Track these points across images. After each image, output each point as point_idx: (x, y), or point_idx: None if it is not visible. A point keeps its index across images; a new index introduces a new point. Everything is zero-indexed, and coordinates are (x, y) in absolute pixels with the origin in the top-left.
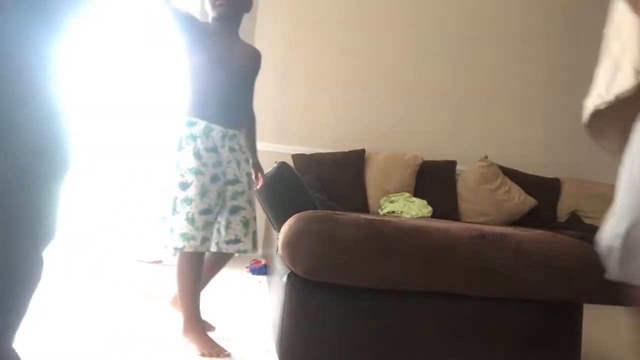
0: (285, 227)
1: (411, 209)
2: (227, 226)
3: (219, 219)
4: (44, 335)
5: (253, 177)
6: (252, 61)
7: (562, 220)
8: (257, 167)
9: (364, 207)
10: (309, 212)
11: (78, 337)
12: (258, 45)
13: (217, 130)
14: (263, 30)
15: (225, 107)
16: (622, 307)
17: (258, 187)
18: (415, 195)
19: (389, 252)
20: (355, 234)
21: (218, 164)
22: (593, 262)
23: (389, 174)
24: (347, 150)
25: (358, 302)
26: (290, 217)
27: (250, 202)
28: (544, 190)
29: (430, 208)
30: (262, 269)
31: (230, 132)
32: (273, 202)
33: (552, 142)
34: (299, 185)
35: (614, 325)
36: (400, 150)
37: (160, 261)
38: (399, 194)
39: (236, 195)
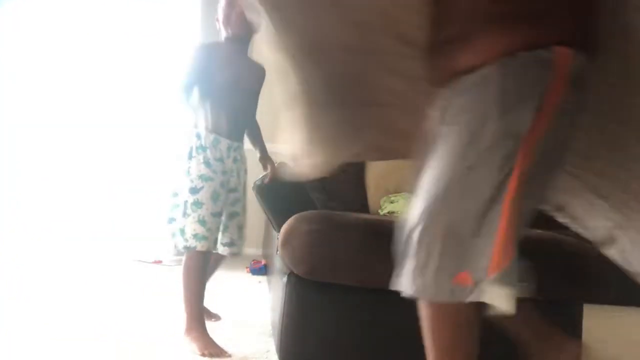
0: (285, 227)
1: None
2: (225, 230)
3: None
4: (42, 333)
5: (250, 184)
6: (260, 80)
7: None
8: (267, 159)
9: (364, 207)
10: (309, 212)
11: (78, 335)
12: (258, 45)
13: (224, 143)
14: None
15: (234, 124)
16: (622, 307)
17: (267, 179)
18: None
19: (389, 252)
20: (355, 234)
21: (224, 172)
22: (593, 262)
23: (389, 174)
24: None
25: (358, 302)
26: (290, 217)
27: (244, 210)
28: None
29: None
30: (262, 269)
31: (235, 144)
32: (273, 202)
33: None
34: (299, 186)
35: (614, 325)
36: None
37: (161, 261)
38: (399, 194)
39: (234, 202)
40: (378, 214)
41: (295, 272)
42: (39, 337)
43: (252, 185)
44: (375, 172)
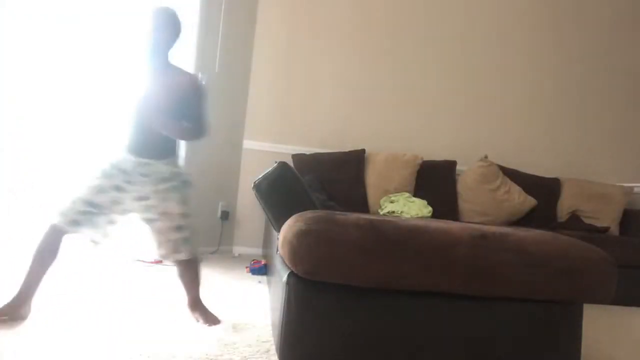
0: (285, 227)
1: (411, 209)
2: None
3: None
4: (42, 333)
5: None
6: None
7: (562, 220)
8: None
9: (364, 207)
10: (309, 212)
11: (77, 335)
12: (259, 45)
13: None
14: (263, 31)
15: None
16: (622, 307)
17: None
18: (415, 195)
19: (389, 252)
20: (355, 234)
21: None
22: (593, 262)
23: (389, 174)
24: (347, 150)
25: (358, 302)
26: (290, 217)
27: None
28: (544, 190)
29: (430, 208)
30: (262, 269)
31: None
32: (273, 202)
33: (552, 142)
34: (299, 186)
35: (614, 325)
36: (400, 150)
37: (161, 261)
38: (399, 194)
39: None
40: (378, 214)
41: (295, 272)
42: (38, 337)
43: (251, 185)
44: (375, 172)
